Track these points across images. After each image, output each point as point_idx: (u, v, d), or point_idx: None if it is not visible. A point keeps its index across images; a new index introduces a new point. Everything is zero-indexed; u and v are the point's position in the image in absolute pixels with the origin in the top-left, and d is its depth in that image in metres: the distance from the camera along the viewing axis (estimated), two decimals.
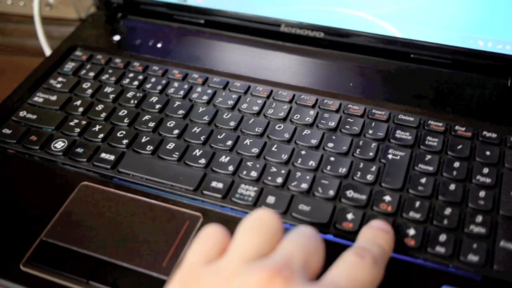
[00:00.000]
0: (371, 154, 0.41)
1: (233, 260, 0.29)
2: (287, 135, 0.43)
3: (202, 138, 0.43)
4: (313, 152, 0.42)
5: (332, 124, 0.44)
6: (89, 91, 0.49)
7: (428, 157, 0.41)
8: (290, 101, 0.46)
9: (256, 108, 0.46)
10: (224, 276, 0.28)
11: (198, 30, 0.57)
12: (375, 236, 0.33)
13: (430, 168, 0.40)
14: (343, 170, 0.40)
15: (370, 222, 0.35)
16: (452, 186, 0.39)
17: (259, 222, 0.30)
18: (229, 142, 0.43)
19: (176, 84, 0.49)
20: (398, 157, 0.41)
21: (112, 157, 0.43)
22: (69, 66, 0.52)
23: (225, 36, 0.56)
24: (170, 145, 0.43)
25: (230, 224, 0.38)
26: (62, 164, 0.43)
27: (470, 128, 0.43)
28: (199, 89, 0.48)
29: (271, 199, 0.39)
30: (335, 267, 0.30)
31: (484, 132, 0.42)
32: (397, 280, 0.34)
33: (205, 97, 0.47)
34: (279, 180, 0.40)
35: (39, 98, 0.49)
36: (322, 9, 0.52)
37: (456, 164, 0.40)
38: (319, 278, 0.29)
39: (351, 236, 0.36)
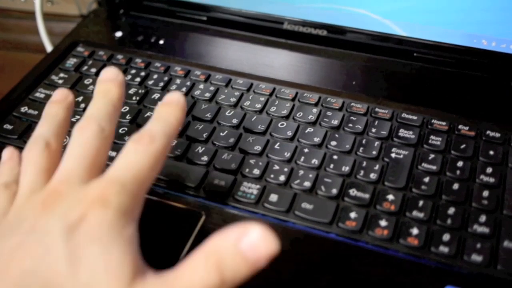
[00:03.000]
0: (374, 152, 0.41)
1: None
2: (289, 133, 0.43)
3: (204, 135, 0.43)
4: (316, 150, 0.42)
5: (335, 122, 0.44)
6: (91, 87, 0.49)
7: (432, 156, 0.41)
8: (293, 99, 0.46)
9: (258, 106, 0.46)
10: None
11: (201, 27, 0.56)
12: (158, 113, 0.33)
13: (434, 167, 0.40)
14: (346, 169, 0.40)
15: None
16: (456, 186, 0.38)
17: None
18: (232, 140, 0.43)
19: (178, 81, 0.49)
20: (401, 156, 0.41)
21: (113, 154, 0.42)
22: (71, 62, 0.52)
23: (227, 33, 0.55)
24: (172, 142, 0.43)
25: (232, 222, 0.38)
26: None
27: (473, 128, 0.43)
28: (201, 86, 0.48)
29: (273, 197, 0.39)
30: (116, 160, 0.30)
31: (488, 132, 0.42)
32: (400, 280, 0.34)
33: (208, 94, 0.47)
34: (282, 178, 0.40)
35: (40, 93, 0.48)
36: (325, 7, 0.52)
37: (460, 164, 0.40)
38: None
39: (354, 235, 0.36)
